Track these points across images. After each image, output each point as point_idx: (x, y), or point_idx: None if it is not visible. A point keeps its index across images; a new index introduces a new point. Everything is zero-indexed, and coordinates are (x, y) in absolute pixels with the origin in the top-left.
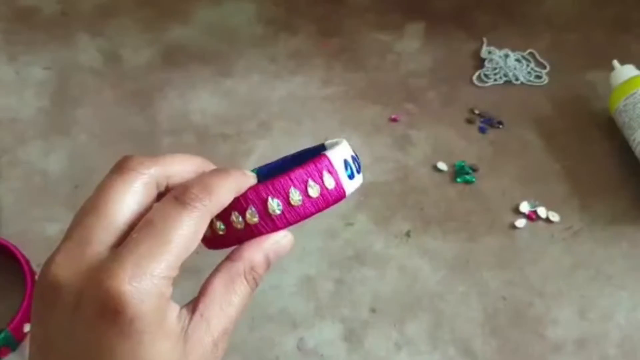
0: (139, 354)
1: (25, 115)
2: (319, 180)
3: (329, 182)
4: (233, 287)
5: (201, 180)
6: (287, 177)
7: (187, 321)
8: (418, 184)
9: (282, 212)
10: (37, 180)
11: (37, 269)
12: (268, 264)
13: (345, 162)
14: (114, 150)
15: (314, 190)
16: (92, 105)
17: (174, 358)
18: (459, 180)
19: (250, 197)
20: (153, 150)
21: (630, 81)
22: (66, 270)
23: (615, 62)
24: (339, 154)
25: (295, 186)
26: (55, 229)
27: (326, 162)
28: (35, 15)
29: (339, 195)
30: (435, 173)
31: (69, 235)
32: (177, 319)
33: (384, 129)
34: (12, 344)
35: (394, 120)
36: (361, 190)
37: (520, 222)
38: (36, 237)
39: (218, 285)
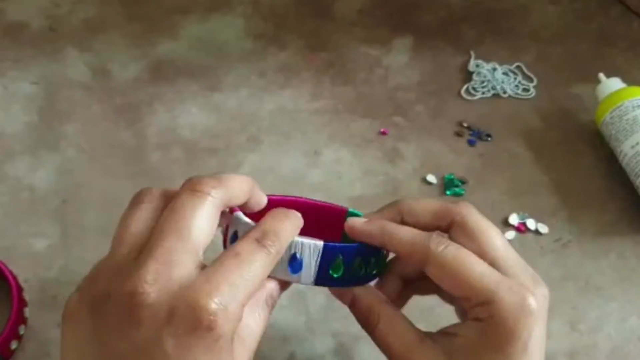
0: None
1: (12, 130)
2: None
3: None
4: (258, 309)
5: (272, 225)
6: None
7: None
8: (407, 196)
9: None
10: (24, 195)
11: (25, 285)
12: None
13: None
14: (103, 165)
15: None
16: (80, 120)
17: None
18: (448, 192)
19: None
20: (141, 165)
21: (616, 94)
22: (157, 288)
23: (601, 75)
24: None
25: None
26: (43, 244)
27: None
28: (23, 30)
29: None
30: (424, 186)
31: (153, 256)
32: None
33: (373, 143)
34: None
35: (383, 133)
36: (351, 203)
37: (510, 234)
38: (24, 252)
39: (248, 305)
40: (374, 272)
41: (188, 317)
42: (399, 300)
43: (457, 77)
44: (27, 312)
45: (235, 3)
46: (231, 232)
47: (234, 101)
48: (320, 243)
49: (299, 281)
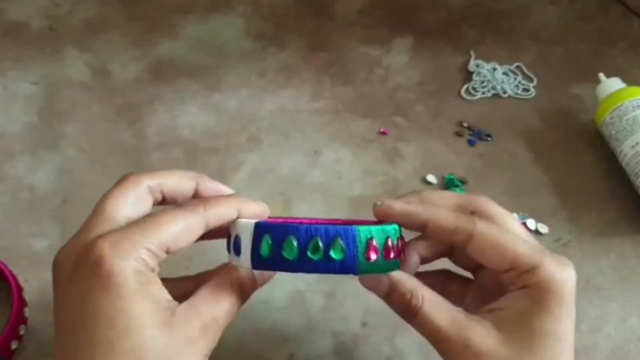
0: (120, 307)
1: (12, 130)
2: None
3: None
4: (221, 291)
5: (203, 196)
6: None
7: (176, 304)
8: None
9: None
10: (24, 195)
11: (25, 285)
12: (255, 286)
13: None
14: (103, 165)
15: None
16: (80, 120)
17: (155, 321)
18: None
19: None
20: (142, 164)
21: (616, 94)
22: (67, 252)
23: (601, 75)
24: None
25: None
26: (43, 244)
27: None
28: (23, 30)
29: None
30: (424, 186)
31: (75, 233)
32: (162, 291)
33: (373, 143)
34: None
35: (383, 133)
36: (351, 203)
37: None
38: (24, 252)
39: (209, 286)
40: (355, 257)
41: (83, 264)
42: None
43: (457, 77)
44: (27, 312)
45: (235, 3)
46: (233, 237)
47: (234, 101)
48: (252, 222)
49: (243, 265)
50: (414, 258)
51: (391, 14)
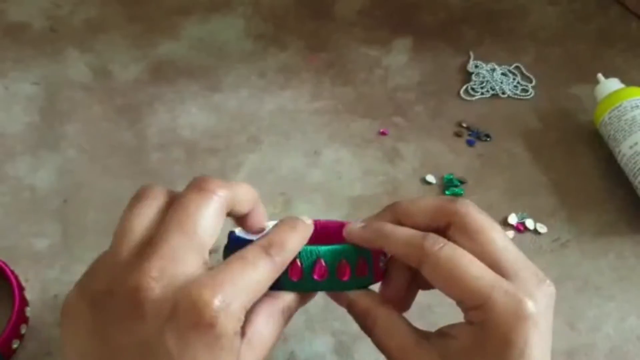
0: None
1: (13, 131)
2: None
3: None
4: (274, 321)
5: (279, 235)
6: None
7: (239, 343)
8: (407, 196)
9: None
10: (25, 195)
11: (26, 284)
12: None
13: None
14: (103, 165)
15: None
16: (81, 120)
17: None
18: (447, 192)
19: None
20: (142, 164)
21: (614, 94)
22: (162, 284)
23: (600, 76)
24: None
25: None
26: (44, 243)
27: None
28: (24, 31)
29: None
30: (424, 186)
31: (158, 252)
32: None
33: (372, 143)
34: None
35: (383, 133)
36: (351, 203)
37: (509, 234)
38: (25, 252)
39: (263, 315)
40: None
41: (190, 313)
42: (408, 295)
43: (457, 78)
44: (29, 311)
45: (236, 4)
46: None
47: (234, 101)
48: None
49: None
50: (396, 277)
51: (391, 15)
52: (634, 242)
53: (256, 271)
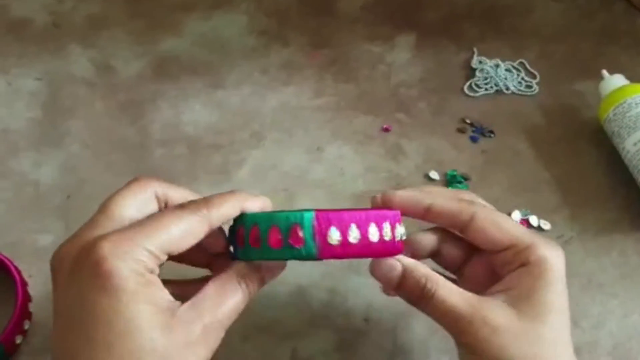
0: (118, 309)
1: (16, 126)
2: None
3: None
4: (226, 289)
5: (206, 197)
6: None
7: (178, 305)
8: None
9: (379, 240)
10: (28, 191)
11: (29, 280)
12: (261, 282)
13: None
14: (106, 161)
15: (399, 233)
16: (84, 116)
17: (154, 323)
18: (450, 189)
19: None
20: (145, 161)
21: (619, 90)
22: (67, 249)
23: (605, 72)
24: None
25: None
26: (47, 239)
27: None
28: (27, 26)
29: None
30: (427, 182)
31: (78, 229)
32: (162, 293)
33: (375, 139)
34: (3, 356)
35: (386, 130)
36: (353, 200)
37: None
38: (28, 248)
39: (213, 284)
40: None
41: (84, 262)
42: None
43: (460, 74)
44: (32, 307)
45: (238, 0)
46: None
47: (237, 98)
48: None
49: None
50: (422, 243)
51: (394, 11)
52: (637, 239)
53: (181, 220)
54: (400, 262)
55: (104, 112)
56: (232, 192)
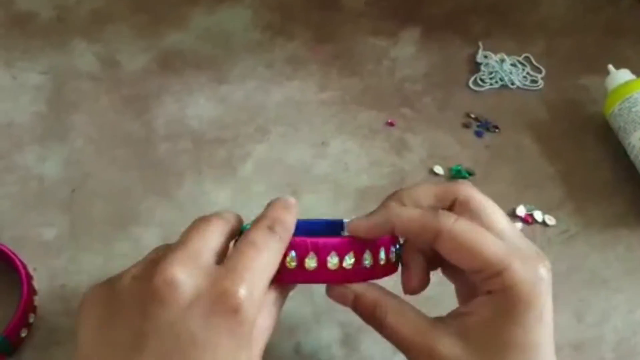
0: (237, 356)
1: (21, 121)
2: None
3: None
4: (267, 309)
5: (277, 213)
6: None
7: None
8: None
9: (352, 267)
10: (33, 185)
11: (34, 274)
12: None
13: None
14: (111, 155)
15: (381, 258)
16: (88, 110)
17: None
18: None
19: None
20: (149, 155)
21: (625, 85)
22: (184, 271)
23: (611, 67)
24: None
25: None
26: (51, 233)
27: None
28: (31, 21)
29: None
30: (431, 177)
31: (177, 248)
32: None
33: (380, 134)
34: (8, 349)
35: (390, 124)
36: (357, 194)
37: (517, 226)
38: (33, 241)
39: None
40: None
41: (213, 298)
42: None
43: (465, 69)
44: (37, 300)
45: None
46: None
47: (242, 92)
48: None
49: None
50: (414, 264)
51: (398, 6)
52: None
53: (269, 252)
54: (349, 289)
55: (109, 106)
56: (285, 203)
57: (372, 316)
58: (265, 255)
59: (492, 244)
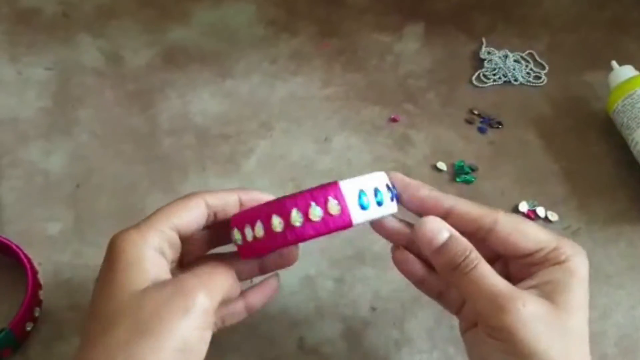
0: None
1: (26, 116)
2: (323, 205)
3: (334, 208)
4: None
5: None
6: (292, 198)
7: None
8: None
9: (283, 230)
10: (38, 179)
11: (39, 268)
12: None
13: (361, 191)
14: (115, 150)
15: (315, 214)
16: (93, 105)
17: (140, 280)
18: (458, 180)
19: (259, 212)
20: (154, 150)
21: (629, 81)
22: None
23: (614, 63)
24: (355, 183)
25: (298, 207)
26: (56, 228)
27: (334, 189)
28: (36, 16)
29: (342, 222)
30: (434, 173)
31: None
32: (161, 259)
33: (383, 129)
34: (14, 343)
35: (394, 120)
36: None
37: None
38: (38, 236)
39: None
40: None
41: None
42: None
43: (468, 65)
44: (42, 294)
45: None
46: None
47: (246, 88)
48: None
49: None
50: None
51: (402, 1)
52: None
53: (177, 206)
54: (446, 226)
55: (113, 101)
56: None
57: (463, 261)
58: (170, 208)
59: (539, 228)
